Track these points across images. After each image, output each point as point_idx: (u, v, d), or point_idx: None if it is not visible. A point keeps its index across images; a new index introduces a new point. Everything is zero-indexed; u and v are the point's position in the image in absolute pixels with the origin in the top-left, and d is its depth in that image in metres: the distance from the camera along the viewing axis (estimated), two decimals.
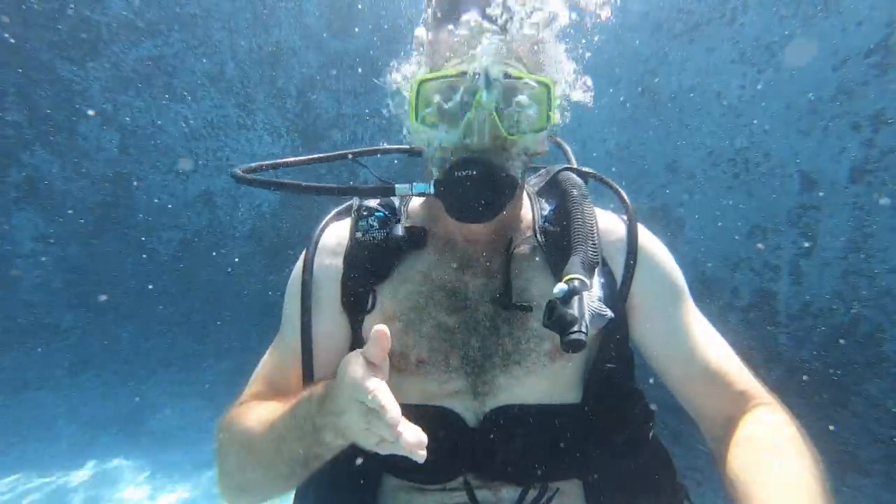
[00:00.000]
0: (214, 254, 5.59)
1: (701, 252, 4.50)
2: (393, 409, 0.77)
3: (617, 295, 1.11)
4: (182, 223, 5.54)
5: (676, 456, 1.20)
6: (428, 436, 1.05)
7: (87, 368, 5.14)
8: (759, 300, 4.24)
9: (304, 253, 1.17)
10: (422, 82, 1.00)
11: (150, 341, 5.37)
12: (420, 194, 1.03)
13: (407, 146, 1.36)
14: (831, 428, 3.61)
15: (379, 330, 0.83)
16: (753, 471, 0.88)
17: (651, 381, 1.22)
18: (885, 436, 3.59)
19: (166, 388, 5.03)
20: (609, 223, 1.20)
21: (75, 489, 3.84)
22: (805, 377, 3.87)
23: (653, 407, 1.21)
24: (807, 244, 4.11)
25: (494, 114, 0.96)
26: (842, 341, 3.88)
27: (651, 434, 1.19)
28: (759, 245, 4.11)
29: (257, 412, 1.07)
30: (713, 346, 1.12)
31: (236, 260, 5.59)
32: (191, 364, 5.28)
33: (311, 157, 1.31)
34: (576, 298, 0.91)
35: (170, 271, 5.51)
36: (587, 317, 0.89)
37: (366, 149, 1.42)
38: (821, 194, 4.08)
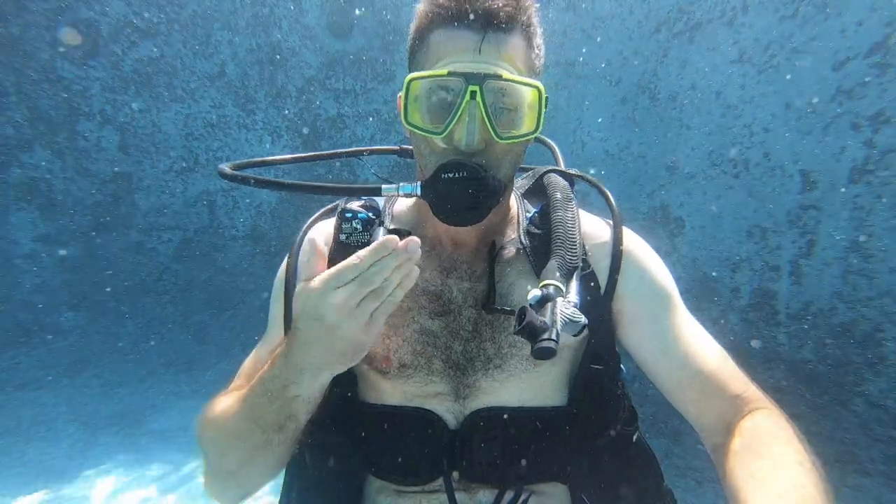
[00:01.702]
0: (214, 254, 5.59)
1: (701, 252, 4.50)
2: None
3: (601, 299, 1.10)
4: (182, 223, 5.54)
5: (676, 456, 1.19)
6: (408, 437, 1.06)
7: (87, 368, 5.14)
8: (759, 300, 4.24)
9: (288, 254, 1.17)
10: (412, 81, 0.99)
11: (150, 341, 5.38)
12: (406, 195, 1.02)
13: (397, 147, 1.36)
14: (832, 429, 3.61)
15: (311, 240, 0.93)
16: (752, 480, 0.87)
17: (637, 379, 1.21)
18: (885, 436, 3.59)
19: (166, 388, 5.03)
20: (594, 227, 1.19)
21: (75, 489, 3.85)
22: (805, 377, 3.87)
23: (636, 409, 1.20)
24: (807, 244, 4.11)
25: (485, 116, 0.95)
26: (842, 341, 3.88)
27: (636, 437, 1.18)
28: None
29: (232, 396, 1.08)
30: (707, 351, 1.10)
31: (236, 260, 5.59)
32: (191, 364, 5.28)
33: (299, 155, 1.31)
34: (549, 305, 0.91)
35: (170, 271, 5.52)
36: (559, 324, 0.88)
37: (355, 149, 1.42)
38: (821, 194, 4.08)
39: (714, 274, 4.40)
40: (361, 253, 0.87)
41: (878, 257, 3.83)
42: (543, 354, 0.86)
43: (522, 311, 0.90)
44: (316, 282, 0.88)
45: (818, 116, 4.11)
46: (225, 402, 1.08)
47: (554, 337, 0.86)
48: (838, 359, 3.87)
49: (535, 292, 0.93)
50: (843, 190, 3.97)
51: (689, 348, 1.10)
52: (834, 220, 4.01)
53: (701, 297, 4.32)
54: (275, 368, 0.95)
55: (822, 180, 4.08)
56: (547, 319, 0.88)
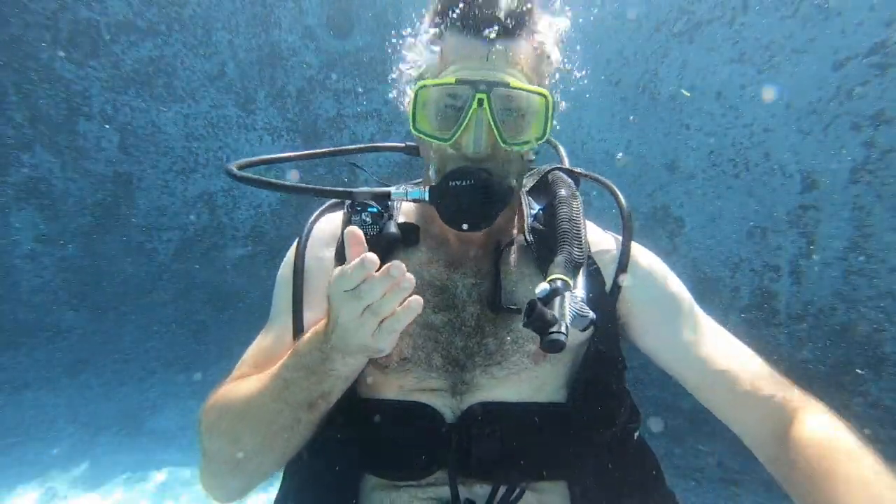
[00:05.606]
0: (214, 254, 5.58)
1: (701, 252, 4.50)
2: (367, 258, 0.82)
3: (606, 298, 1.10)
4: (182, 223, 5.53)
5: (677, 456, 1.20)
6: (404, 430, 1.05)
7: (87, 368, 5.14)
8: (759, 300, 4.24)
9: (295, 242, 1.17)
10: (420, 88, 1.00)
11: (150, 341, 5.37)
12: (415, 200, 1.04)
13: (403, 144, 1.36)
14: None
15: (350, 231, 0.88)
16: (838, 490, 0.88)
17: (650, 379, 1.21)
18: (885, 436, 3.59)
19: (166, 388, 5.03)
20: (599, 234, 1.20)
21: (75, 489, 3.85)
22: (805, 377, 3.87)
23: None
24: (806, 244, 4.11)
25: (492, 123, 0.96)
26: (842, 341, 3.88)
27: (636, 435, 1.18)
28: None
29: (250, 380, 1.06)
30: (729, 351, 1.10)
31: (236, 260, 5.59)
32: (191, 364, 5.28)
33: (308, 152, 1.31)
34: (557, 299, 0.91)
35: (170, 271, 5.51)
36: (568, 318, 0.89)
37: (364, 146, 1.43)
38: (820, 194, 4.08)
39: (714, 274, 4.40)
40: (346, 268, 0.86)
41: (878, 257, 3.83)
42: (553, 347, 0.86)
43: (531, 305, 0.91)
44: (333, 277, 0.88)
45: (818, 116, 4.11)
46: (241, 387, 1.06)
47: (563, 330, 0.87)
48: (838, 359, 3.87)
49: (542, 286, 0.93)
50: (843, 189, 3.97)
51: (708, 349, 1.09)
52: (834, 220, 4.01)
53: (701, 297, 4.31)
54: (313, 342, 0.96)
55: (822, 180, 4.08)
56: (556, 313, 0.89)
